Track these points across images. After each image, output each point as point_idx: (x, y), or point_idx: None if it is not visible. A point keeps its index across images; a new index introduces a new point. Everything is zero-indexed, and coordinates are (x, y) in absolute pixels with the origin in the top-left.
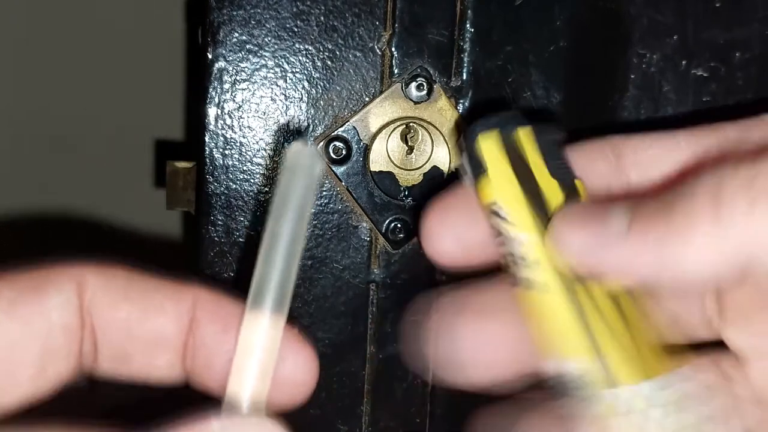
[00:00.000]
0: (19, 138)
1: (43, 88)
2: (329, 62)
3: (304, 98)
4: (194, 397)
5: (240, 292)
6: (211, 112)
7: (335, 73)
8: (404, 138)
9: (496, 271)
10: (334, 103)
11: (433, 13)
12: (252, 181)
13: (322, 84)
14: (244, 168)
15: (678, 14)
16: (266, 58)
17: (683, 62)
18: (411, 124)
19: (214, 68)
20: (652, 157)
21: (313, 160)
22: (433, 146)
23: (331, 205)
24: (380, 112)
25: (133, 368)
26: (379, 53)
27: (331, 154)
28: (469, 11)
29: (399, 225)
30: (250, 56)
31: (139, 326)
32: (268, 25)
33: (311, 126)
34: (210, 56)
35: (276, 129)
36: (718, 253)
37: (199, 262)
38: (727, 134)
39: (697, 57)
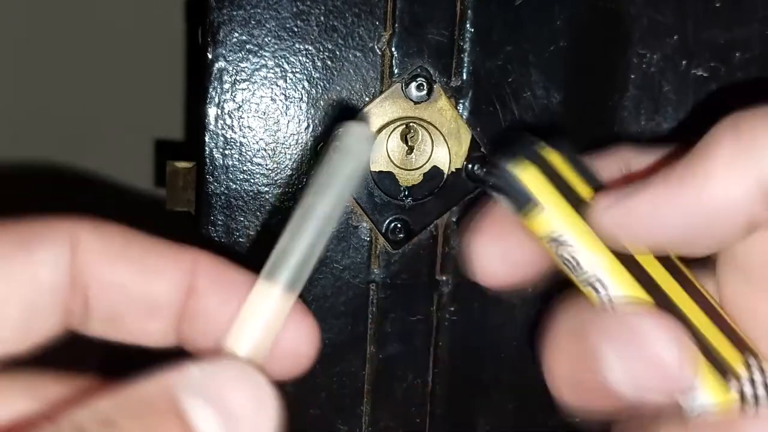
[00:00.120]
0: (19, 138)
1: (43, 88)
2: (329, 62)
3: (304, 98)
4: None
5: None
6: (211, 112)
7: (335, 73)
8: (404, 138)
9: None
10: (334, 103)
11: (433, 13)
12: (252, 181)
13: (322, 84)
14: (244, 168)
15: (678, 14)
16: (266, 58)
17: (683, 62)
18: (411, 124)
19: (214, 68)
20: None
21: (367, 144)
22: (433, 146)
23: None
24: (380, 112)
25: (125, 331)
26: (379, 53)
27: None
28: (469, 11)
29: (399, 225)
30: (250, 56)
31: (134, 289)
32: (268, 25)
33: (311, 126)
34: (210, 56)
35: (276, 129)
36: (743, 177)
37: None
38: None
39: (697, 57)
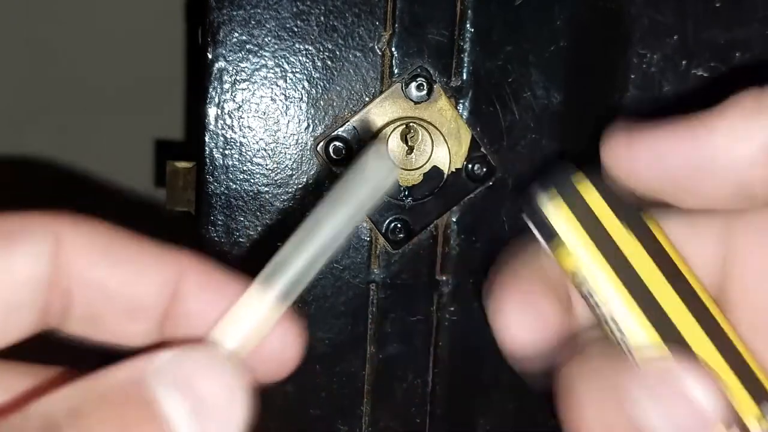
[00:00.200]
0: (19, 137)
1: (44, 88)
2: (329, 62)
3: (304, 98)
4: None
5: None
6: (211, 112)
7: (335, 73)
8: (404, 138)
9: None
10: (334, 103)
11: (433, 13)
12: (252, 181)
13: (322, 84)
14: (244, 168)
15: (678, 14)
16: (266, 58)
17: (683, 62)
18: (411, 124)
19: (214, 68)
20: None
21: (390, 174)
22: (433, 146)
23: None
24: (380, 112)
25: (106, 332)
26: (379, 53)
27: (331, 154)
28: (469, 11)
29: (399, 225)
30: (250, 56)
31: (118, 290)
32: (268, 25)
33: (311, 126)
34: (210, 56)
35: (276, 129)
36: (749, 140)
37: None
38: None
39: (697, 57)
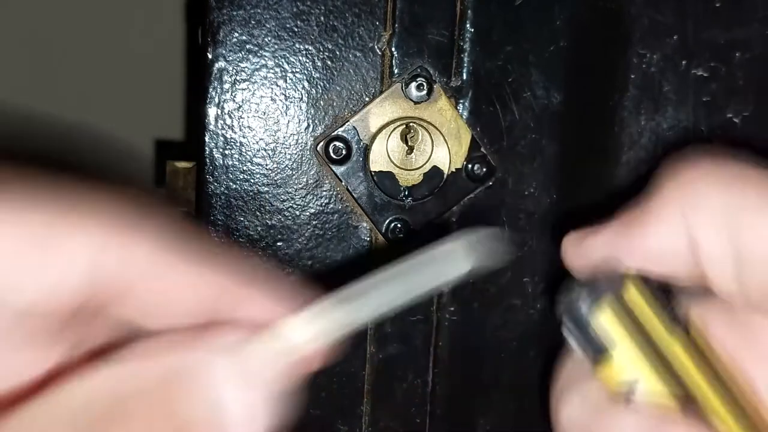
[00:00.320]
0: (19, 138)
1: (44, 87)
2: (329, 62)
3: (304, 98)
4: None
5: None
6: (211, 112)
7: (335, 73)
8: (404, 138)
9: None
10: (334, 103)
11: (433, 13)
12: (252, 181)
13: (322, 84)
14: (244, 168)
15: (678, 14)
16: (266, 58)
17: (683, 62)
18: (411, 124)
19: (214, 68)
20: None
21: (472, 260)
22: (433, 146)
23: (331, 205)
24: (380, 112)
25: (143, 326)
26: (379, 53)
27: (331, 154)
28: (469, 11)
29: (399, 225)
30: (250, 56)
31: (169, 293)
32: (268, 25)
33: (311, 126)
34: (210, 56)
35: (276, 129)
36: (675, 235)
37: None
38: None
39: (697, 57)
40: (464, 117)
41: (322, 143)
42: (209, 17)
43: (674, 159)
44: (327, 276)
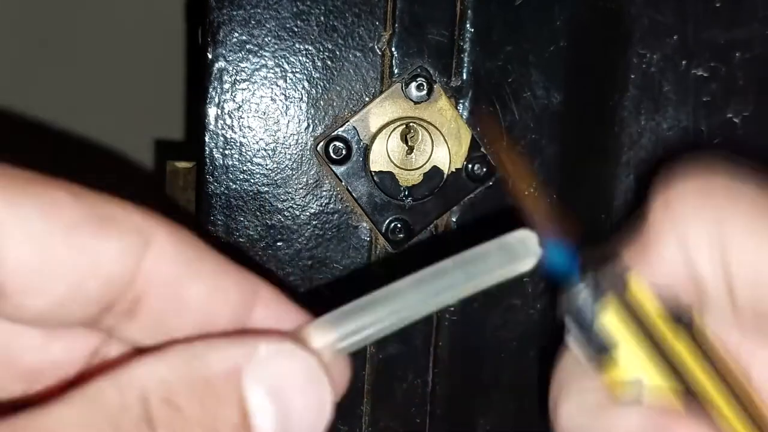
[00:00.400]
0: (19, 138)
1: (44, 87)
2: (329, 62)
3: (304, 98)
4: None
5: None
6: (211, 112)
7: (335, 73)
8: (404, 138)
9: None
10: (334, 103)
11: (433, 13)
12: (252, 181)
13: (322, 84)
14: (244, 168)
15: (678, 14)
16: (266, 58)
17: (683, 62)
18: (411, 124)
19: (214, 68)
20: None
21: (531, 258)
22: (433, 146)
23: (331, 205)
24: (380, 112)
25: (161, 336)
26: (379, 53)
27: (331, 154)
28: (469, 11)
29: (399, 225)
30: (250, 56)
31: (194, 305)
32: (268, 25)
33: (311, 126)
34: (210, 56)
35: (276, 129)
36: (673, 263)
37: None
38: None
39: (697, 57)
40: (464, 117)
41: (322, 143)
42: (209, 17)
43: (664, 179)
44: (327, 276)
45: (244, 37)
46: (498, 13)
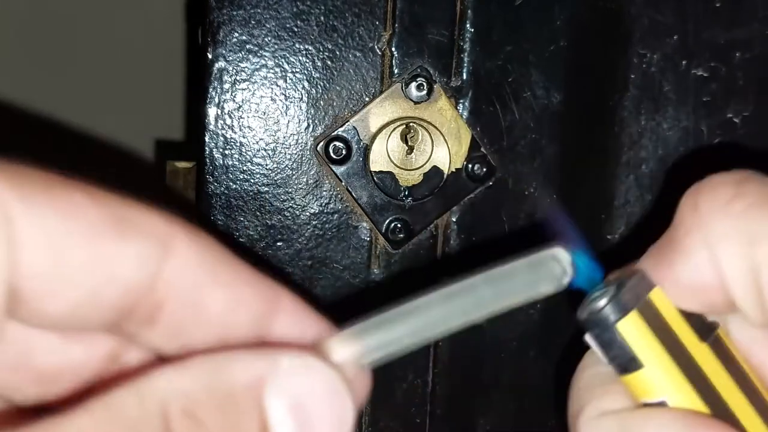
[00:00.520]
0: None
1: (44, 87)
2: (329, 62)
3: (304, 98)
4: None
5: None
6: (211, 112)
7: (335, 73)
8: (404, 138)
9: None
10: (334, 103)
11: (433, 13)
12: (252, 181)
13: (322, 84)
14: (244, 168)
15: (678, 14)
16: (266, 58)
17: (683, 62)
18: (411, 124)
19: (214, 68)
20: None
21: (563, 279)
22: (433, 146)
23: (331, 205)
24: (380, 112)
25: (179, 345)
26: (379, 53)
27: (331, 154)
28: (469, 11)
29: (399, 225)
30: (250, 56)
31: (215, 314)
32: (268, 25)
33: (311, 126)
34: (210, 56)
35: (276, 129)
36: (702, 268)
37: None
38: None
39: (697, 57)
40: (464, 117)
41: (322, 143)
42: (209, 17)
43: (693, 187)
44: (327, 276)
45: (244, 37)
46: (498, 13)
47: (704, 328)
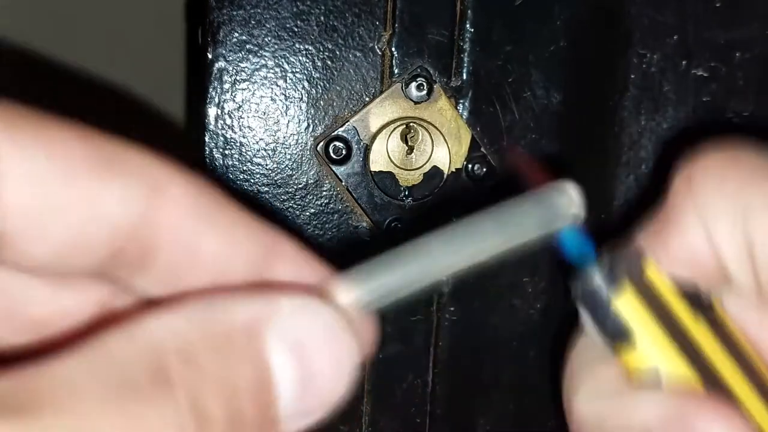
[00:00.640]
0: None
1: (43, 87)
2: (329, 62)
3: (304, 98)
4: None
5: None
6: (211, 112)
7: (335, 73)
8: (404, 138)
9: None
10: (334, 103)
11: (433, 13)
12: (252, 181)
13: (322, 84)
14: (244, 168)
15: (678, 14)
16: (266, 58)
17: (683, 62)
18: (411, 124)
19: (214, 68)
20: None
21: (575, 213)
22: (433, 146)
23: (331, 205)
24: (380, 112)
25: (171, 288)
26: (379, 53)
27: (331, 154)
28: (469, 11)
29: (399, 225)
30: (250, 56)
31: (209, 255)
32: (268, 25)
33: (311, 126)
34: (210, 56)
35: (276, 129)
36: (695, 243)
37: None
38: None
39: (697, 57)
40: (464, 117)
41: (322, 143)
42: (209, 17)
43: (685, 160)
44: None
45: (244, 37)
46: (498, 13)
47: (699, 301)
